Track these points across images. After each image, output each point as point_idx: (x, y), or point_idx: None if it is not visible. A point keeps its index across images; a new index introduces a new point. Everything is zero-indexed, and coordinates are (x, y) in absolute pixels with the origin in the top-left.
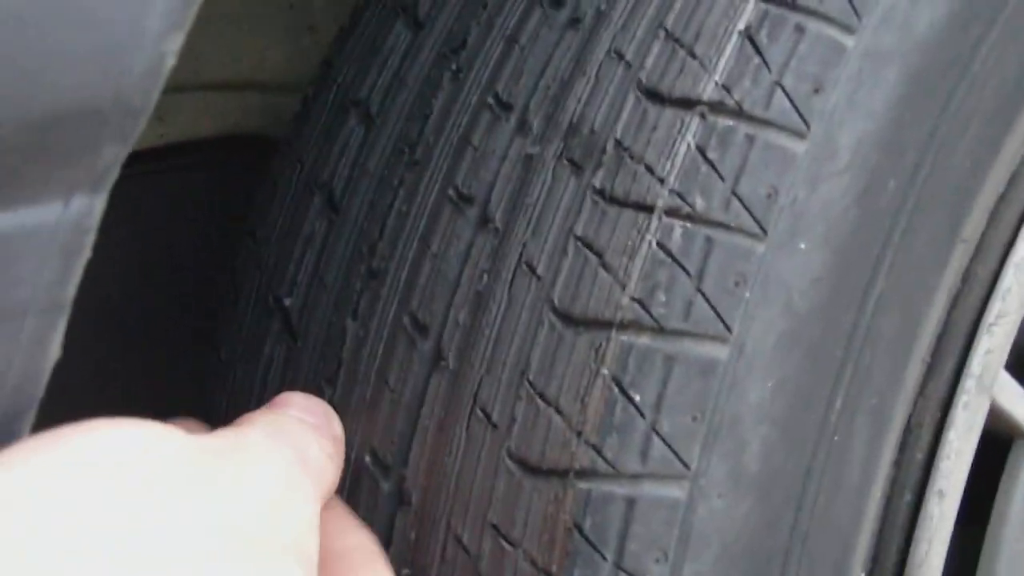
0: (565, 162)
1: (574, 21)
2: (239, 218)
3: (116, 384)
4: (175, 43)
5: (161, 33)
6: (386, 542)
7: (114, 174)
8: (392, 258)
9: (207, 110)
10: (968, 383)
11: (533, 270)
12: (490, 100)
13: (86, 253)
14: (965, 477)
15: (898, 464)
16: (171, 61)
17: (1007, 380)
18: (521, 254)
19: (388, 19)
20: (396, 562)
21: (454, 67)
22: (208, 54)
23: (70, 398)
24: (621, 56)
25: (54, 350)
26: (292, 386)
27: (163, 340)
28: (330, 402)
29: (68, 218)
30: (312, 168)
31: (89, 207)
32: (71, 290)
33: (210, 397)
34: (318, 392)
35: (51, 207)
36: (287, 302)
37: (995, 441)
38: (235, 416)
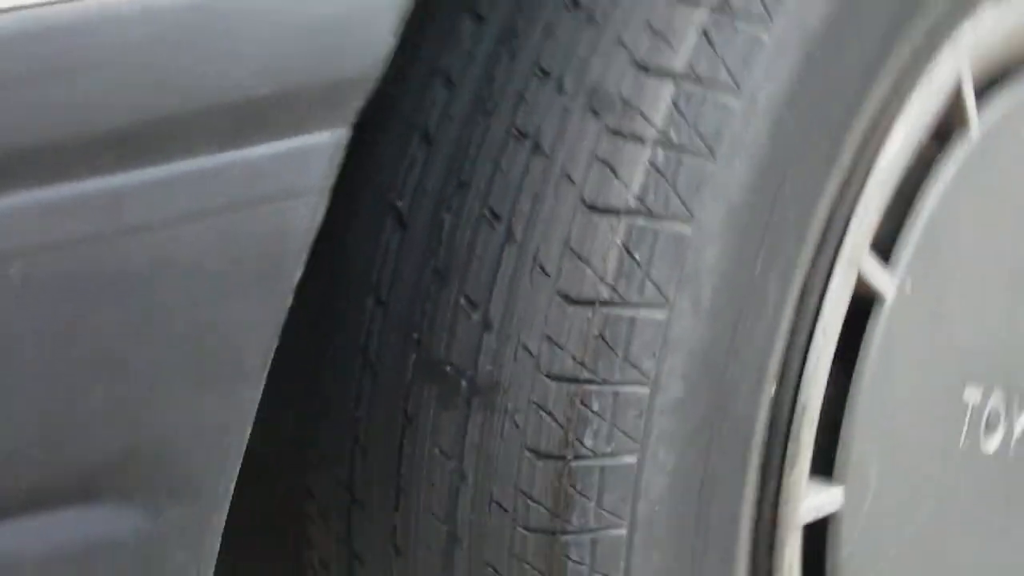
0: None
1: None
2: None
3: None
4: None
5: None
6: None
7: (355, 115)
8: None
9: None
10: (844, 255)
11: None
12: None
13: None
14: (841, 321)
15: (798, 309)
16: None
17: (870, 258)
18: None
19: None
20: None
21: None
22: None
23: None
24: None
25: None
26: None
27: None
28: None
29: (335, 139)
30: None
31: (344, 136)
32: (332, 180)
33: None
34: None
35: (323, 134)
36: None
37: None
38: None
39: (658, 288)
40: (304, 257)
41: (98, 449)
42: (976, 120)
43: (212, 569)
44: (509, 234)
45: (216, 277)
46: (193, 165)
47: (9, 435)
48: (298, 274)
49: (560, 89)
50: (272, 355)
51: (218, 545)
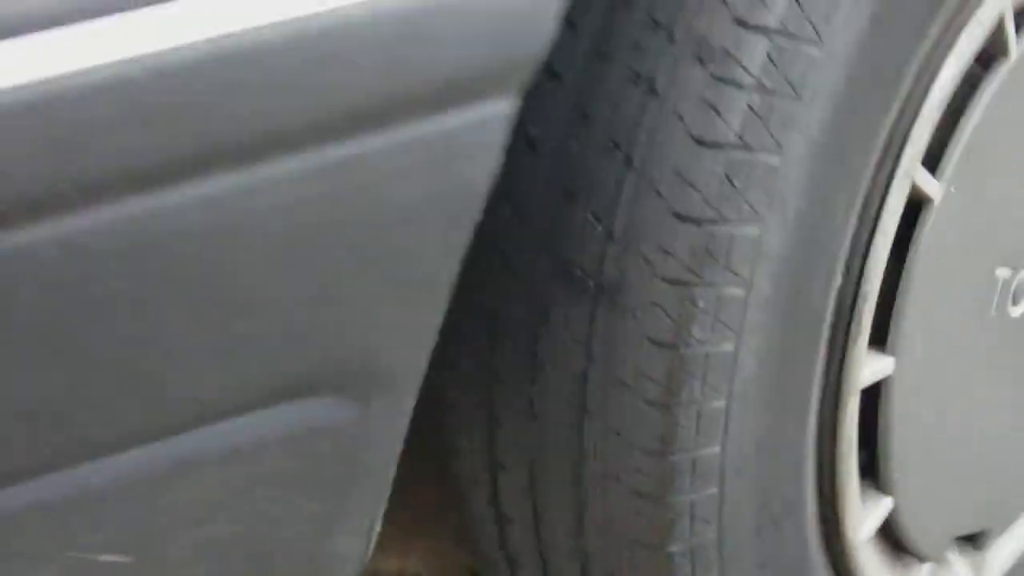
0: None
1: None
2: None
3: None
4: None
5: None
6: None
7: (526, 85)
8: None
9: None
10: (901, 168)
11: None
12: None
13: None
14: (897, 222)
15: (861, 216)
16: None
17: (921, 169)
18: None
19: None
20: None
21: None
22: None
23: None
24: None
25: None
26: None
27: None
28: None
29: (511, 105)
30: None
31: (518, 101)
32: (507, 138)
33: None
34: None
35: (502, 103)
36: None
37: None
38: None
39: (752, 208)
40: (485, 199)
41: (323, 354)
42: (1015, 49)
43: (402, 443)
44: (628, 161)
45: (420, 218)
46: (406, 132)
47: (260, 346)
48: (479, 213)
49: (671, 39)
50: (456, 277)
51: (408, 423)
